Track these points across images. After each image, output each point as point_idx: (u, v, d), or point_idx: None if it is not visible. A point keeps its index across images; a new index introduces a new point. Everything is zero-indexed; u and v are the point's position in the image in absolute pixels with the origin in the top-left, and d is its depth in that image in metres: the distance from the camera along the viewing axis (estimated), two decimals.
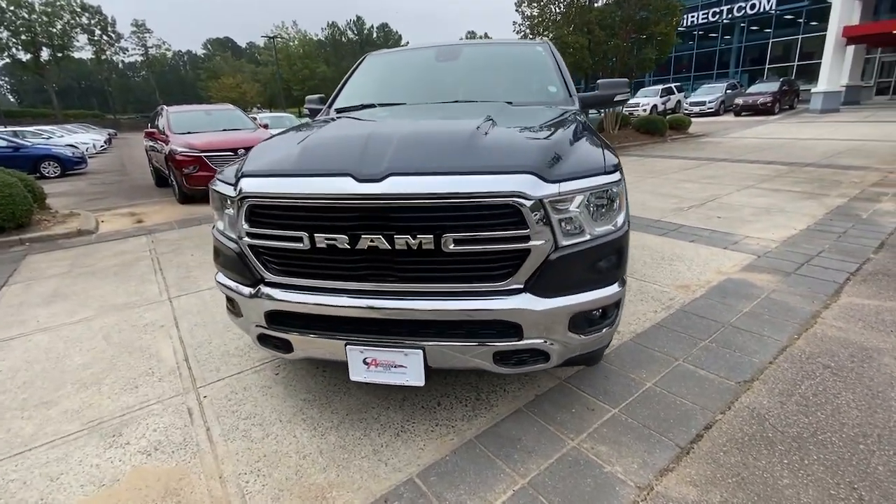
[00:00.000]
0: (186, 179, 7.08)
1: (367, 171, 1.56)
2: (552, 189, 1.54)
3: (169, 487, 1.73)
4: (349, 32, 71.18)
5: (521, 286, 1.62)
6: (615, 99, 2.95)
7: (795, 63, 28.32)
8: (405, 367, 1.72)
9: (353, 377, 1.77)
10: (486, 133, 1.75)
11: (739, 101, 21.56)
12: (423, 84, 2.97)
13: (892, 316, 2.75)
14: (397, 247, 1.56)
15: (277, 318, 1.82)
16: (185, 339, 2.89)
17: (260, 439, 1.96)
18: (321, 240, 1.61)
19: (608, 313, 1.79)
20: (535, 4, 12.82)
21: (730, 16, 30.14)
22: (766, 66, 29.69)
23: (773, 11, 28.29)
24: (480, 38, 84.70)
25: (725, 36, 31.49)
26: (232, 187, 1.79)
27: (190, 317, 3.22)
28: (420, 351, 1.67)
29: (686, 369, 2.31)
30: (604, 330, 1.79)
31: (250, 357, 2.63)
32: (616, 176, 1.71)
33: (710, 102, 23.39)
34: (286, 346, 1.87)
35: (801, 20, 27.94)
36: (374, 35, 73.39)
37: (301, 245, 1.65)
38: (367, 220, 1.57)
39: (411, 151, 1.64)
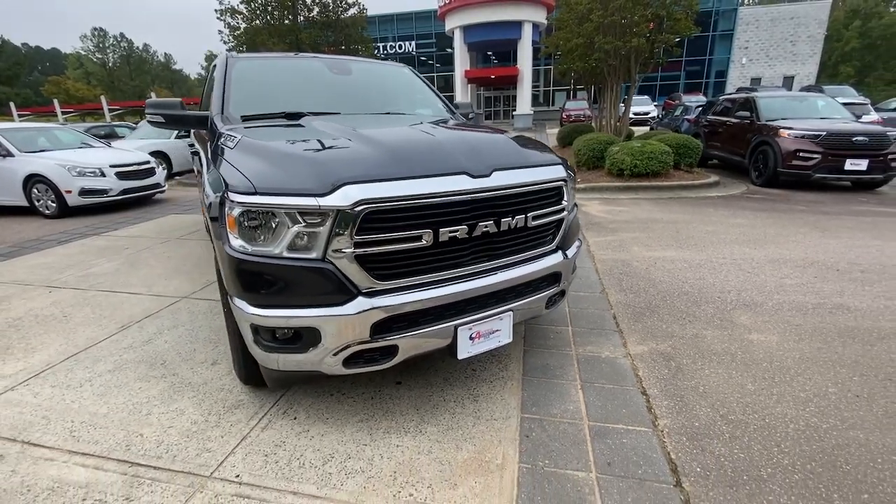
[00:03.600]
0: None
1: (476, 168, 1.84)
2: (570, 173, 2.27)
3: None
4: None
5: (555, 247, 2.27)
6: (469, 117, 3.83)
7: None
8: (500, 330, 2.07)
9: (461, 355, 1.97)
10: (509, 137, 2.27)
11: None
12: (336, 95, 2.95)
13: (615, 243, 4.83)
14: (502, 228, 1.92)
15: (384, 327, 1.78)
16: None
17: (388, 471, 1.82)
18: (444, 234, 1.77)
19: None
20: (241, 17, 12.19)
21: (385, 52, 36.48)
22: None
23: (413, 53, 36.16)
24: (116, 38, 69.30)
25: None
26: (320, 197, 1.62)
27: None
28: (510, 312, 2.07)
29: (574, 295, 3.48)
30: (576, 268, 2.64)
31: (199, 451, 2.10)
32: None
33: None
34: (388, 354, 1.84)
35: (432, 62, 36.91)
36: None
37: (423, 242, 1.74)
38: (481, 210, 1.85)
39: (495, 151, 2.00)
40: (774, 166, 7.78)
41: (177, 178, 10.68)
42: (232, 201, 1.70)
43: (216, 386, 2.39)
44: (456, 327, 1.91)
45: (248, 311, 1.74)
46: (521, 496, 1.65)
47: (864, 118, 11.10)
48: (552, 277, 2.26)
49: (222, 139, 2.29)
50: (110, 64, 66.62)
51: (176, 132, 11.40)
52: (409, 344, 1.86)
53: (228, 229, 1.75)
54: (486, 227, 1.87)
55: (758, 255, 4.34)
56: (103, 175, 6.76)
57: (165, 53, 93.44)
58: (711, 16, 32.76)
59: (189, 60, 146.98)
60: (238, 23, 12.26)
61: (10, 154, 6.71)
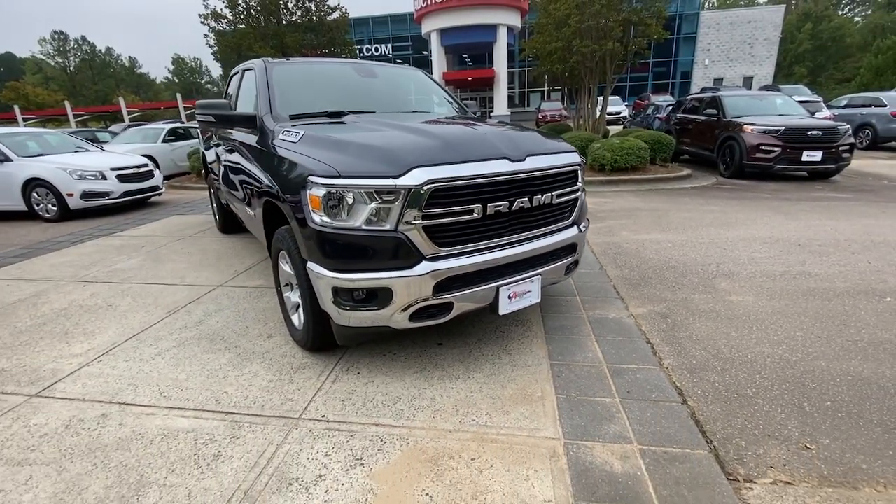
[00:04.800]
0: None
1: (514, 154, 2.23)
2: (582, 159, 2.69)
3: None
4: None
5: (571, 222, 2.68)
6: (476, 115, 4.21)
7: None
8: (531, 291, 2.46)
9: (502, 311, 2.35)
10: (532, 130, 2.67)
11: None
12: (367, 95, 3.29)
13: (605, 229, 5.31)
14: (534, 204, 2.31)
15: (444, 286, 2.14)
16: None
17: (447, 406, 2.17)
18: (491, 208, 2.15)
19: None
20: (225, 21, 12.27)
21: (361, 55, 36.59)
22: None
23: (390, 55, 36.44)
24: (77, 41, 66.80)
25: None
26: (396, 179, 1.97)
27: None
28: (539, 276, 2.46)
29: (577, 271, 3.89)
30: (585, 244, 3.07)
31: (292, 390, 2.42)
32: None
33: None
34: (446, 309, 2.20)
35: (408, 64, 37.22)
36: None
37: (474, 215, 2.12)
38: (518, 188, 2.24)
39: (526, 140, 2.39)
40: (740, 159, 8.48)
41: (165, 181, 10.66)
42: (316, 184, 2.03)
43: (279, 353, 2.70)
44: (498, 288, 2.29)
45: (330, 276, 2.07)
46: (563, 416, 2.05)
47: (818, 114, 12.06)
48: (570, 248, 2.67)
49: (281, 135, 2.60)
50: (71, 68, 64.16)
51: (163, 136, 11.40)
52: (462, 300, 2.22)
53: (311, 207, 2.08)
54: (522, 202, 2.26)
55: (731, 235, 4.89)
56: (104, 178, 6.83)
57: (130, 57, 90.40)
58: (676, 19, 34.28)
59: (155, 64, 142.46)
60: (223, 26, 12.36)
61: (7, 159, 6.71)
